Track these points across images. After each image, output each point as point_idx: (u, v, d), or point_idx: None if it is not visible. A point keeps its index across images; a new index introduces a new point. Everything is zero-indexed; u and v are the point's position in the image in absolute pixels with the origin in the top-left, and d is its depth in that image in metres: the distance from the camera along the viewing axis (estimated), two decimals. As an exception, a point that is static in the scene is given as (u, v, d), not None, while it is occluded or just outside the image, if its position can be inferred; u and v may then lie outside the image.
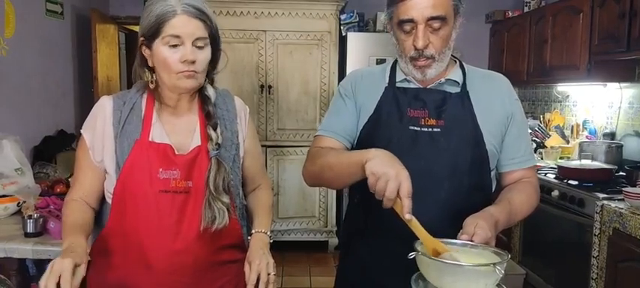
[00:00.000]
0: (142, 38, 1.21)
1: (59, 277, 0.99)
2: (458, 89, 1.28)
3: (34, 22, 3.48)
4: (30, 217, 1.89)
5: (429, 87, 1.28)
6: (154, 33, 1.18)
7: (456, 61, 1.33)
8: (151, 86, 1.26)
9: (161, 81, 1.23)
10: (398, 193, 0.99)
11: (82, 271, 1.04)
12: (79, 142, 1.29)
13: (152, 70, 1.24)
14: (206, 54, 1.21)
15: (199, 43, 1.19)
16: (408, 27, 1.19)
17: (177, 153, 1.24)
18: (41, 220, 1.90)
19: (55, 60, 3.80)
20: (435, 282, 1.00)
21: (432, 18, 1.16)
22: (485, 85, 1.31)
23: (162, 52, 1.18)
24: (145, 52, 1.22)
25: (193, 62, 1.18)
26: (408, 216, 1.00)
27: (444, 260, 0.98)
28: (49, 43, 3.68)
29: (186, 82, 1.20)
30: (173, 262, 1.21)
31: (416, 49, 1.19)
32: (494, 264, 0.95)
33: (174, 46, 1.17)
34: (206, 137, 1.26)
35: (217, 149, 1.25)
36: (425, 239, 1.03)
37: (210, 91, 1.29)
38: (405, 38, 1.21)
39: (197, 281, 1.25)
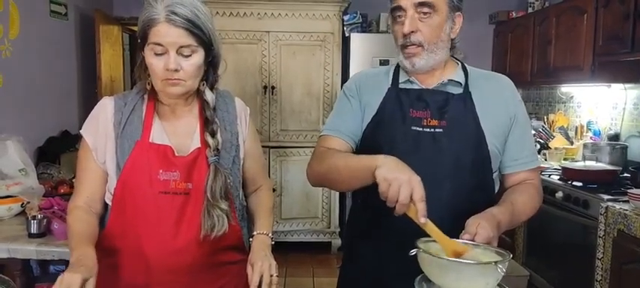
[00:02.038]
0: (139, 41, 1.21)
1: None
2: (460, 90, 1.28)
3: (38, 22, 3.49)
4: (34, 217, 1.89)
5: (431, 88, 1.29)
6: (142, 38, 1.18)
7: (458, 63, 1.33)
8: (147, 88, 1.26)
9: (153, 84, 1.23)
10: (411, 197, 0.99)
11: (91, 285, 1.03)
12: (81, 145, 1.28)
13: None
14: (194, 61, 1.18)
15: (185, 52, 1.16)
16: (398, 14, 1.22)
17: (177, 154, 1.24)
18: (45, 220, 1.90)
19: (58, 61, 3.81)
20: (435, 279, 1.00)
21: (420, 4, 1.19)
22: (488, 86, 1.31)
23: (148, 58, 1.18)
24: (141, 54, 1.22)
25: (177, 71, 1.16)
26: (423, 219, 1.00)
27: (444, 257, 0.98)
28: (53, 44, 3.69)
29: (171, 89, 1.20)
30: (172, 263, 1.21)
31: (404, 35, 1.22)
32: (495, 262, 0.95)
33: (159, 53, 1.16)
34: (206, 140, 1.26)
35: (216, 155, 1.25)
36: (443, 242, 1.02)
37: (208, 96, 1.27)
38: (397, 27, 1.24)
39: (196, 282, 1.25)
